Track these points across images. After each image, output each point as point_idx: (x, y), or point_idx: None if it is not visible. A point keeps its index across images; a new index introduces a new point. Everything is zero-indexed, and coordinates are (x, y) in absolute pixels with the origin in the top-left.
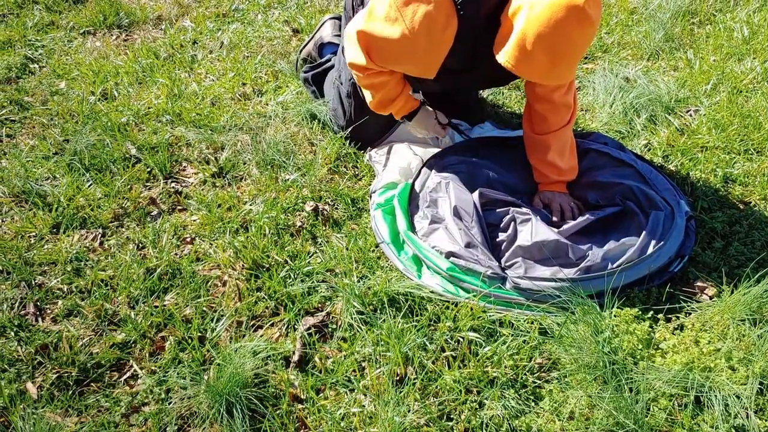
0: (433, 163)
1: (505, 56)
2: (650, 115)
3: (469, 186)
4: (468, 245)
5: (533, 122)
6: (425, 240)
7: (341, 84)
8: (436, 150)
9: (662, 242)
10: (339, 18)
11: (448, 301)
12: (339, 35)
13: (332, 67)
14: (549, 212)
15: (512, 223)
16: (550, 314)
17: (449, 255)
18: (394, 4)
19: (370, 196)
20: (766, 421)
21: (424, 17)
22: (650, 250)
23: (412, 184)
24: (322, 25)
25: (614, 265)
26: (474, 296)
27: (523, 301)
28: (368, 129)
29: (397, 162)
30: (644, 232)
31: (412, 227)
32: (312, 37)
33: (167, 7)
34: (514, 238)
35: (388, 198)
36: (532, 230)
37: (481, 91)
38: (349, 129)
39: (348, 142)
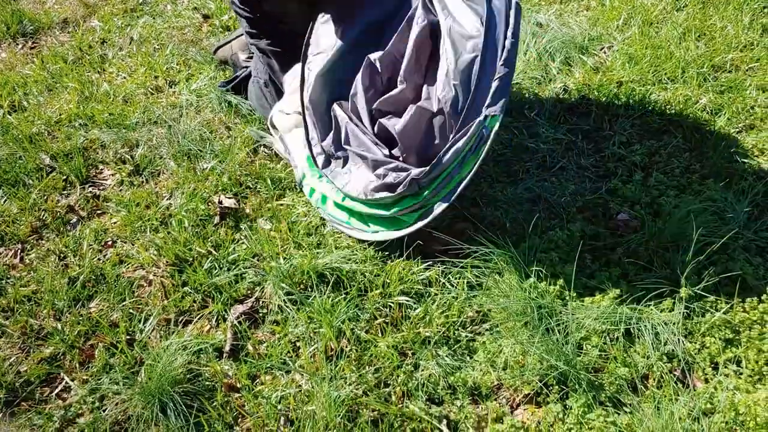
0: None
1: None
2: (565, 57)
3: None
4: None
5: None
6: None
7: (259, 78)
8: None
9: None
10: None
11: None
12: (251, 56)
13: (249, 76)
14: None
15: None
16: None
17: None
18: None
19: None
20: (695, 343)
21: None
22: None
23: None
24: (237, 37)
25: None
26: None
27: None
28: None
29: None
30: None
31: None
32: (229, 41)
33: (73, 9)
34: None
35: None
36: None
37: None
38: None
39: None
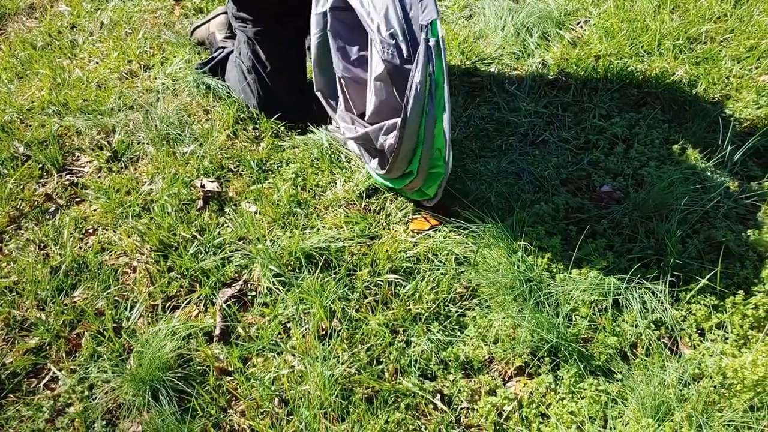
0: None
1: None
2: (542, 32)
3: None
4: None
5: None
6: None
7: (242, 61)
8: None
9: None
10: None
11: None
12: (230, 36)
13: (226, 57)
14: None
15: None
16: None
17: None
18: None
19: None
20: (681, 310)
21: None
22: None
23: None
24: (215, 16)
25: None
26: None
27: None
28: (284, 97)
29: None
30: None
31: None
32: (207, 20)
33: None
34: None
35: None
36: None
37: None
38: (265, 107)
39: (263, 114)
